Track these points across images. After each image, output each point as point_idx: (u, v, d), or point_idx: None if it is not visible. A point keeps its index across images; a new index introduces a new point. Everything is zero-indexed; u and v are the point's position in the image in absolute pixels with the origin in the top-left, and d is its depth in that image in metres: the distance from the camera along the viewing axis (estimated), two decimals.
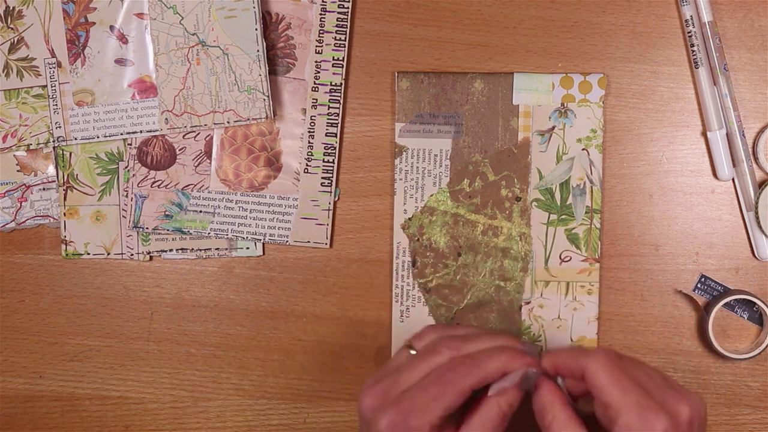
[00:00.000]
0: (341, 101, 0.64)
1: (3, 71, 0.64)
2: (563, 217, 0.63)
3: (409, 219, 0.64)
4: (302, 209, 0.64)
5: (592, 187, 0.63)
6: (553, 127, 0.63)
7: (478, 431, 0.51)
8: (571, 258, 0.63)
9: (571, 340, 0.64)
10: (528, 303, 0.64)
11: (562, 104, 0.63)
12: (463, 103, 0.63)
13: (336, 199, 0.65)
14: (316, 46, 0.64)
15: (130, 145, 0.65)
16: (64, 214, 0.65)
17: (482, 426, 0.51)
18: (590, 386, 0.50)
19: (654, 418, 0.47)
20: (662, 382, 0.50)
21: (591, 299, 0.64)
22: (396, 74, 0.63)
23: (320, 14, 0.63)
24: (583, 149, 0.63)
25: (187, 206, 0.64)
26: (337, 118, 0.64)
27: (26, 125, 0.65)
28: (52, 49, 0.64)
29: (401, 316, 0.64)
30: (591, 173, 0.63)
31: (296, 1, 0.64)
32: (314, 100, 0.64)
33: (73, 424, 0.67)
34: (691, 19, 0.62)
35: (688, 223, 0.64)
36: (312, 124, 0.64)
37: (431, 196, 0.64)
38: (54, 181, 0.65)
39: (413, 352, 0.54)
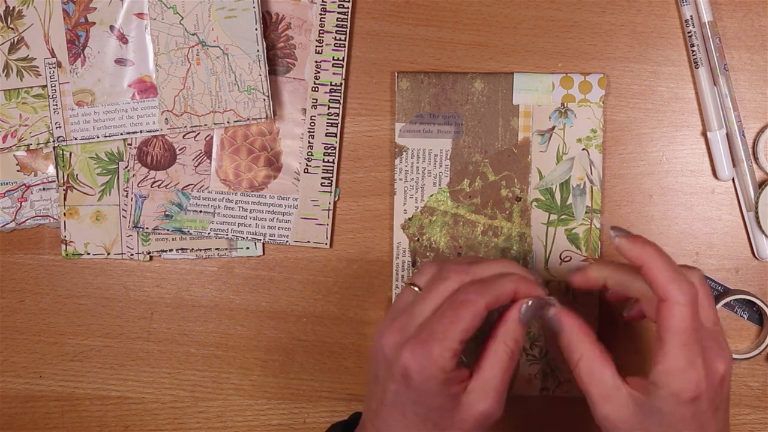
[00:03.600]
0: (341, 101, 0.64)
1: (3, 71, 0.64)
2: (563, 217, 0.63)
3: (409, 219, 0.64)
4: (302, 209, 0.64)
5: (592, 187, 0.63)
6: (553, 127, 0.63)
7: (490, 373, 0.50)
8: (571, 258, 0.63)
9: None
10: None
11: (563, 104, 0.63)
12: (463, 103, 0.63)
13: (336, 199, 0.65)
14: (316, 46, 0.64)
15: (130, 145, 0.65)
16: (64, 214, 0.65)
17: (493, 367, 0.50)
18: (653, 312, 0.49)
19: (691, 369, 0.47)
20: (711, 327, 0.50)
21: (591, 300, 0.63)
22: (396, 74, 0.63)
23: (320, 14, 0.63)
24: (583, 149, 0.63)
25: (187, 206, 0.64)
26: (337, 118, 0.64)
27: (26, 125, 0.65)
28: (52, 49, 0.64)
29: None
30: (591, 173, 0.63)
31: (296, 1, 0.64)
32: (314, 100, 0.64)
33: (73, 424, 0.67)
34: (691, 19, 0.62)
35: (688, 223, 0.64)
36: (312, 124, 0.64)
37: (431, 196, 0.64)
38: (54, 181, 0.65)
39: (417, 289, 0.53)
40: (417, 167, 0.64)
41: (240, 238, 0.65)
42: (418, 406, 0.50)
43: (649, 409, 0.48)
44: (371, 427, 0.52)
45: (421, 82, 0.63)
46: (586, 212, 0.63)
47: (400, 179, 0.64)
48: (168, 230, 0.65)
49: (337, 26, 0.64)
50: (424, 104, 0.63)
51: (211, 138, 0.64)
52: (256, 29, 0.62)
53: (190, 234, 0.65)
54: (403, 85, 0.63)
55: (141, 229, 0.65)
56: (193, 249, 0.65)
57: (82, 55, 0.64)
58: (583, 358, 0.50)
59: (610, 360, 0.50)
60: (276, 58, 0.64)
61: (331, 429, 0.57)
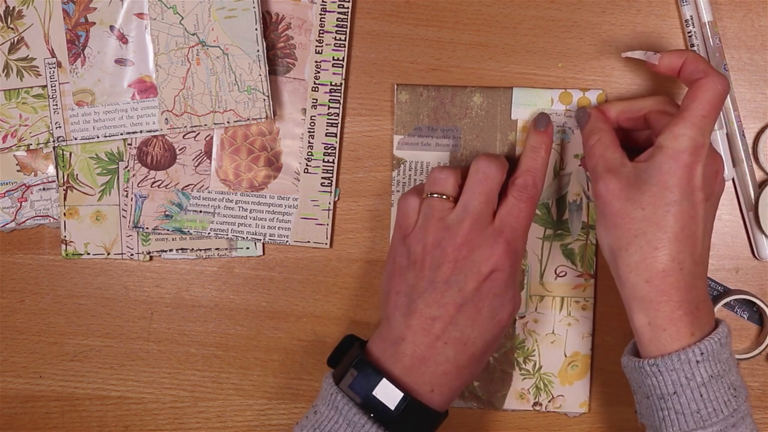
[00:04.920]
0: (341, 101, 0.64)
1: (3, 71, 0.64)
2: (559, 232, 0.63)
3: None
4: (302, 209, 0.64)
5: (588, 203, 0.63)
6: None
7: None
8: (566, 273, 0.63)
9: (565, 356, 0.63)
10: (522, 317, 0.63)
11: None
12: (462, 117, 0.63)
13: (336, 199, 0.65)
14: (316, 46, 0.64)
15: (130, 145, 0.65)
16: (64, 214, 0.65)
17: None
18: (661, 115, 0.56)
19: (700, 138, 0.52)
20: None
21: (585, 315, 0.63)
22: (395, 87, 0.63)
23: (320, 14, 0.63)
24: (580, 165, 0.63)
25: (187, 206, 0.64)
26: (337, 118, 0.64)
27: (26, 125, 0.65)
28: (52, 49, 0.64)
29: None
30: (588, 189, 0.63)
31: (296, 1, 0.64)
32: (314, 100, 0.64)
33: (73, 424, 0.67)
34: (691, 19, 0.62)
35: None
36: (312, 124, 0.64)
37: None
38: (54, 181, 0.65)
39: (436, 195, 0.57)
40: (415, 180, 0.63)
41: (240, 238, 0.65)
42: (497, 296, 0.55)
43: (649, 174, 0.52)
44: (427, 335, 0.54)
45: (420, 95, 0.63)
46: (582, 228, 0.63)
47: (398, 191, 0.64)
48: (168, 230, 0.65)
49: (337, 26, 0.64)
50: (422, 117, 0.63)
51: (211, 138, 0.64)
52: (256, 29, 0.62)
53: (190, 234, 0.65)
54: (402, 97, 0.63)
55: (141, 229, 0.65)
56: (193, 249, 0.65)
57: (82, 55, 0.64)
58: (601, 139, 0.56)
59: (622, 149, 0.55)
60: (276, 58, 0.64)
61: (346, 340, 0.59)
